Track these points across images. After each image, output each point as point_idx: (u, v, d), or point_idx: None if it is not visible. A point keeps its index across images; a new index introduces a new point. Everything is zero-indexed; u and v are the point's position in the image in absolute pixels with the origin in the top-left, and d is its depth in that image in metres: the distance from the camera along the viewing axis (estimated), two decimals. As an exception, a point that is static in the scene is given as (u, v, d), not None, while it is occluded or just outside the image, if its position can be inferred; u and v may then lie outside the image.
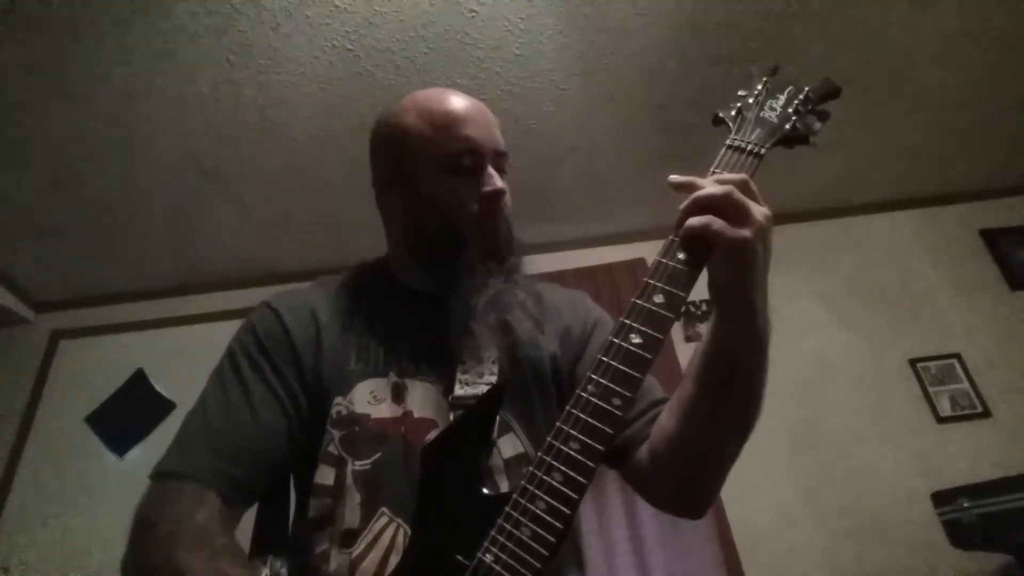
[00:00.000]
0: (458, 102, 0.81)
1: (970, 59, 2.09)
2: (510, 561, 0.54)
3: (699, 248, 0.60)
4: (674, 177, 0.64)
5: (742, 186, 0.60)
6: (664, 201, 0.62)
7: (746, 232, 0.57)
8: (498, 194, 0.77)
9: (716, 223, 0.57)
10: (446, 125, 0.78)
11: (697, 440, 0.69)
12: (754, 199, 0.60)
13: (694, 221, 0.58)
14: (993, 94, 2.26)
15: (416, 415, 0.72)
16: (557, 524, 0.54)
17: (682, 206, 0.61)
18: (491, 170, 0.78)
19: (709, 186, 0.60)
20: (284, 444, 0.71)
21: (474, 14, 1.76)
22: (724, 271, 0.60)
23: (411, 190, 0.80)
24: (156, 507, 0.64)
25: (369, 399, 0.73)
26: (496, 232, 0.78)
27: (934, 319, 2.53)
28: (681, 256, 0.60)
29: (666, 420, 0.72)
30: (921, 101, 2.26)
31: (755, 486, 2.17)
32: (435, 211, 0.78)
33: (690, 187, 0.61)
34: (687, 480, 0.73)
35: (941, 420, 2.31)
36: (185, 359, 2.39)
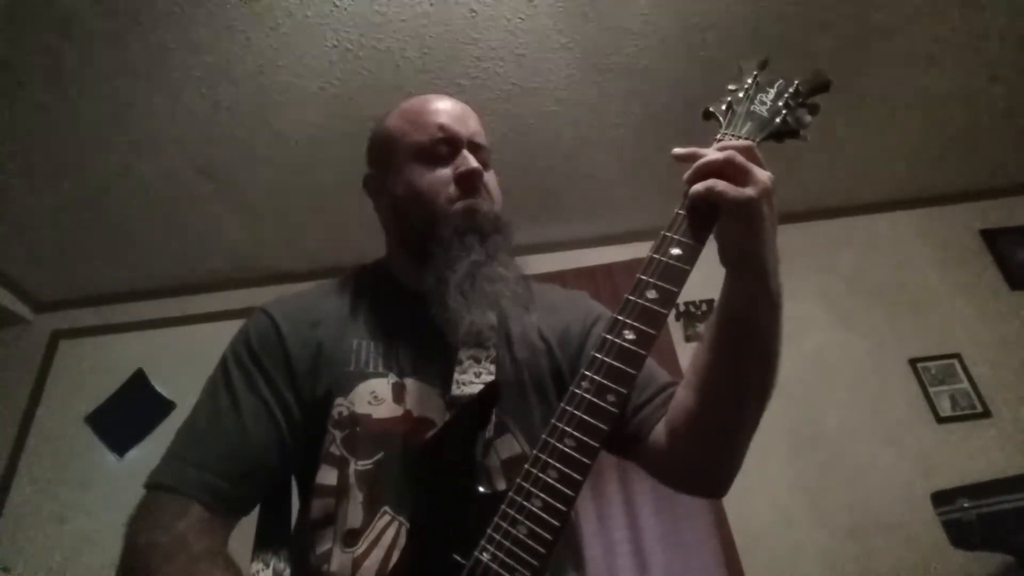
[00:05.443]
0: (437, 99, 0.85)
1: (970, 59, 2.09)
2: (507, 559, 0.54)
3: (703, 221, 0.60)
4: (678, 150, 0.65)
5: (747, 152, 0.61)
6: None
7: (751, 191, 0.58)
8: (472, 172, 0.78)
9: (720, 184, 0.58)
10: (421, 117, 0.82)
11: (718, 409, 0.69)
12: (758, 164, 0.60)
13: (698, 186, 0.59)
14: (992, 94, 2.26)
15: (416, 415, 0.72)
16: (554, 521, 0.54)
17: (685, 176, 0.62)
18: (466, 153, 0.80)
19: (711, 153, 0.61)
20: (273, 453, 0.71)
21: (474, 14, 1.76)
22: (733, 232, 0.61)
23: (395, 186, 0.81)
24: (141, 518, 0.65)
25: (369, 399, 0.73)
26: (473, 209, 0.77)
27: (934, 319, 2.52)
28: (674, 251, 0.60)
29: (683, 395, 0.72)
30: (921, 101, 2.25)
31: (755, 486, 2.16)
32: (416, 200, 0.79)
33: (693, 157, 0.62)
34: (709, 453, 0.72)
35: (941, 420, 2.31)
36: (185, 359, 2.38)
